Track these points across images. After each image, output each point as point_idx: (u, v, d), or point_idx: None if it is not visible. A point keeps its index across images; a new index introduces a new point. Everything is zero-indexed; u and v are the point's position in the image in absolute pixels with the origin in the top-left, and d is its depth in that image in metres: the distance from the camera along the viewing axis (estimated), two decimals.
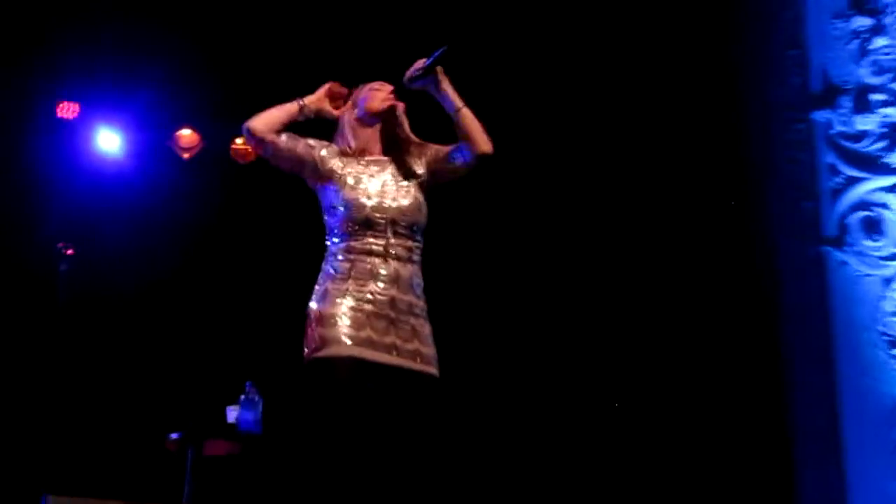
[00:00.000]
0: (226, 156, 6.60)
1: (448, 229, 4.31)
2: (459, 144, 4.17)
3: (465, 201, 4.59)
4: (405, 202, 4.13)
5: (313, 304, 4.00)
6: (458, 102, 4.13)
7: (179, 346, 6.28)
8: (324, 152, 4.18)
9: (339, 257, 4.05)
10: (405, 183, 4.19)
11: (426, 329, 4.05)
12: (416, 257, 4.13)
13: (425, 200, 4.18)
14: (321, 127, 4.21)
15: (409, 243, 4.11)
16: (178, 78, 6.21)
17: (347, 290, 3.98)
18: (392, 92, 4.25)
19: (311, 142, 4.19)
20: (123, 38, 6.01)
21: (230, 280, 6.34)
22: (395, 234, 4.07)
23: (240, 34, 6.13)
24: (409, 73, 4.16)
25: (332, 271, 4.05)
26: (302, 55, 5.97)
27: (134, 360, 6.16)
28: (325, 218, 4.17)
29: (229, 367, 5.93)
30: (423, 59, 4.13)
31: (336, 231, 4.12)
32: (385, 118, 4.23)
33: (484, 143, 4.11)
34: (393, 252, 4.05)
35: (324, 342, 3.90)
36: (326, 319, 3.94)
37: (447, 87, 4.13)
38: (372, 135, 4.24)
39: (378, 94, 4.25)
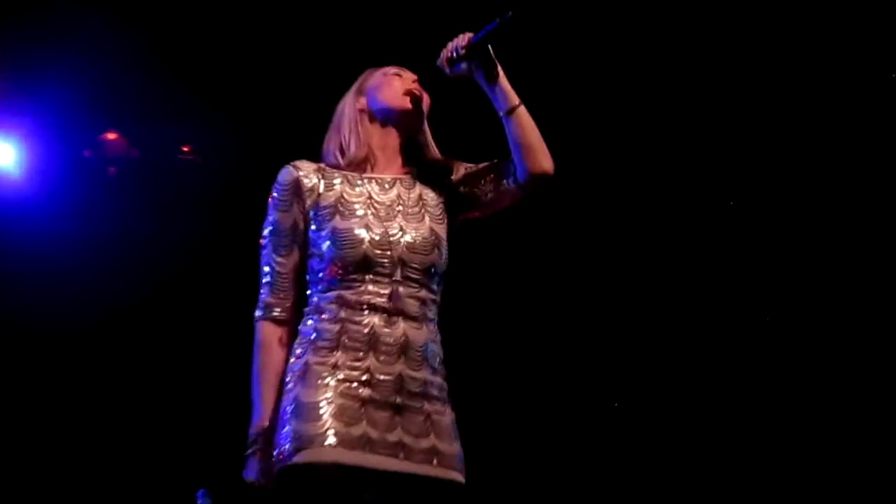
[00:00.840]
0: (165, 168, 5.41)
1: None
2: (508, 162, 3.09)
3: None
4: (420, 236, 3.06)
5: (288, 385, 2.98)
6: (514, 99, 3.04)
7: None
8: (304, 188, 3.12)
9: (325, 315, 3.00)
10: (420, 210, 3.10)
11: (447, 417, 3.03)
12: (432, 314, 3.07)
13: (447, 236, 3.13)
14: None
15: (424, 294, 3.04)
16: (99, 71, 5.08)
17: (336, 364, 2.95)
18: (416, 81, 3.16)
19: (283, 216, 3.12)
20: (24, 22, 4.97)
21: (174, 332, 5.42)
22: (406, 280, 3.02)
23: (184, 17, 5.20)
24: (447, 51, 3.05)
25: (313, 336, 3.01)
26: (263, 42, 5.18)
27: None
28: (307, 260, 3.10)
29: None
30: (469, 33, 3.03)
31: (320, 277, 3.05)
32: (404, 118, 3.15)
33: (544, 158, 3.04)
34: (401, 307, 3.00)
35: (301, 441, 2.89)
36: (306, 409, 2.92)
37: (502, 76, 3.04)
38: (381, 139, 3.17)
39: (396, 83, 3.17)
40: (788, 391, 5.03)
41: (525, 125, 3.01)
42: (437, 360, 3.05)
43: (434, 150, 3.19)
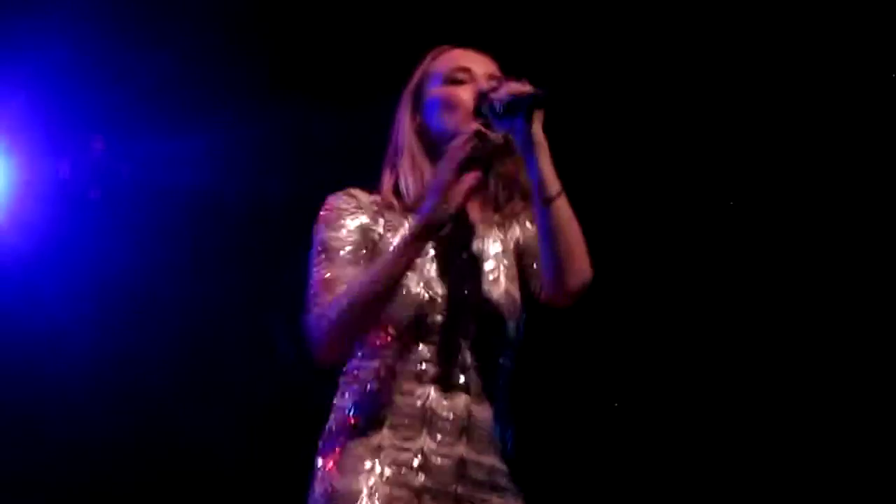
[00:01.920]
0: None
1: None
2: (537, 263, 2.48)
3: None
4: (493, 294, 2.47)
5: (319, 468, 2.44)
6: (556, 184, 2.37)
7: None
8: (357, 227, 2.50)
9: (368, 387, 2.44)
10: (495, 265, 2.51)
11: None
12: (502, 389, 2.49)
13: (525, 299, 2.53)
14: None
15: (495, 364, 2.47)
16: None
17: (380, 446, 2.40)
18: (494, 78, 2.49)
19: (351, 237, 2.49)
20: None
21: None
22: (472, 347, 2.44)
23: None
24: (498, 93, 2.37)
25: (350, 412, 2.45)
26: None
27: None
28: None
29: None
30: (525, 82, 2.36)
31: (364, 340, 2.48)
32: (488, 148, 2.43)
33: (582, 268, 2.41)
34: (464, 379, 2.43)
35: None
36: (343, 498, 2.37)
37: (545, 153, 2.37)
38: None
39: (461, 95, 2.48)
40: (789, 391, 4.87)
41: (564, 222, 2.37)
42: (507, 440, 2.49)
43: (523, 185, 2.50)
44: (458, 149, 2.34)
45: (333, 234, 2.46)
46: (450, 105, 2.46)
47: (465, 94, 2.45)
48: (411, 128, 2.51)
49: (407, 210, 2.47)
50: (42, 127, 4.46)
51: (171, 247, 4.58)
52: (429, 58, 2.55)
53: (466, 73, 2.48)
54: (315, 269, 2.44)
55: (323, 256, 2.45)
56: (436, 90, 2.50)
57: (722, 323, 4.93)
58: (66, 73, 4.40)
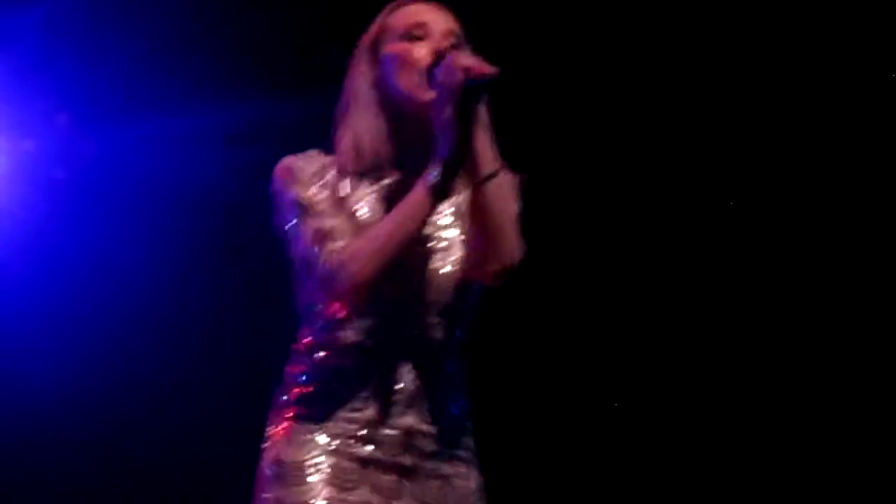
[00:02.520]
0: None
1: None
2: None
3: None
4: (442, 266, 2.41)
5: (269, 439, 2.43)
6: (494, 163, 2.31)
7: None
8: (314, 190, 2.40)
9: (317, 357, 2.41)
10: (451, 233, 2.45)
11: (471, 482, 2.46)
12: (454, 358, 2.46)
13: None
14: None
15: (449, 338, 2.43)
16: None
17: (328, 417, 2.38)
18: (451, 41, 2.41)
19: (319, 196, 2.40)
20: None
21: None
22: (424, 318, 2.40)
23: None
24: (448, 68, 2.30)
25: (301, 382, 2.43)
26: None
27: None
28: (298, 292, 2.46)
29: None
30: (481, 61, 2.30)
31: (315, 311, 2.43)
32: (425, 111, 2.36)
33: (508, 251, 2.34)
34: (415, 351, 2.40)
35: None
36: (290, 471, 2.37)
37: (486, 131, 2.31)
38: (408, 132, 2.42)
39: (416, 53, 2.40)
40: (788, 392, 4.85)
41: (500, 202, 2.30)
42: (461, 411, 2.46)
43: (485, 153, 2.33)
44: (450, 83, 2.27)
45: (304, 189, 2.38)
46: (405, 63, 2.38)
47: (422, 52, 2.38)
48: (367, 82, 2.43)
49: (365, 169, 2.41)
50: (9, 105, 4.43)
51: (142, 233, 4.54)
52: (386, 10, 2.47)
53: (423, 29, 2.40)
54: (302, 226, 2.36)
55: (305, 211, 2.36)
56: (392, 46, 2.42)
57: (721, 323, 4.92)
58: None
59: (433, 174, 2.26)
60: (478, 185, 2.29)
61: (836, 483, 4.72)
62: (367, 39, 2.47)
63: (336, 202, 2.37)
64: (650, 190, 4.96)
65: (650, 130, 4.90)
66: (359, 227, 2.34)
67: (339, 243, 2.31)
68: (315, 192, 2.37)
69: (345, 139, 2.41)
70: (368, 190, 2.40)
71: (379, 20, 2.46)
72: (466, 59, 2.30)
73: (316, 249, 2.32)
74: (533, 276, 4.60)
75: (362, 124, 2.41)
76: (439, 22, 2.42)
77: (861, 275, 4.80)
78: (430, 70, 2.34)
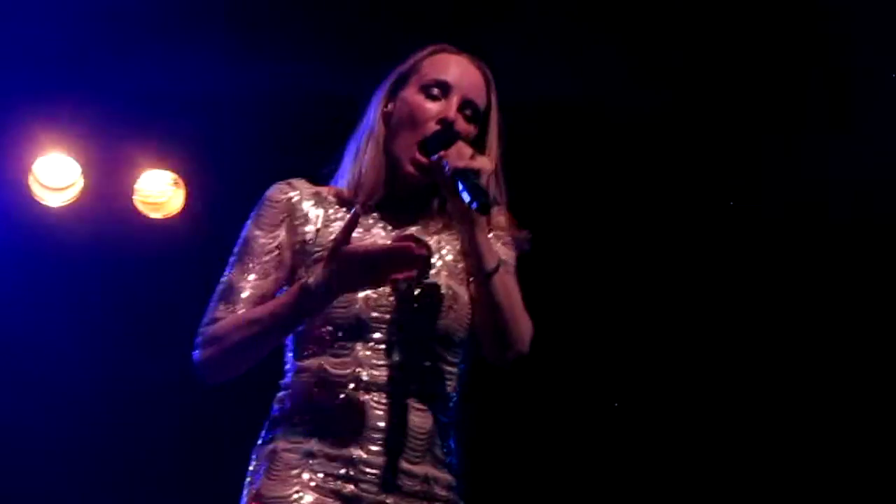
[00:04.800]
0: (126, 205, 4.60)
1: None
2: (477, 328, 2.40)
3: None
4: (437, 292, 2.39)
5: (249, 476, 2.40)
6: (493, 260, 2.35)
7: None
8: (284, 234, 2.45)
9: (303, 389, 2.38)
10: (440, 265, 2.44)
11: None
12: (445, 393, 2.41)
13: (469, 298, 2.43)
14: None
15: (440, 367, 2.39)
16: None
17: (311, 453, 2.34)
18: (464, 114, 2.44)
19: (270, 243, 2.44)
20: None
21: None
22: (413, 351, 2.37)
23: None
24: (453, 161, 2.31)
25: (284, 416, 2.40)
26: None
27: None
28: None
29: None
30: (485, 170, 2.34)
31: (300, 340, 2.42)
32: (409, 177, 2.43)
33: (518, 340, 2.38)
34: (404, 384, 2.36)
35: None
36: None
37: (482, 229, 2.36)
38: (400, 185, 2.46)
39: (428, 108, 2.42)
40: (789, 392, 4.88)
41: (502, 298, 2.32)
42: (448, 450, 2.39)
43: (485, 250, 2.36)
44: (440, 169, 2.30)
45: (259, 233, 2.42)
46: (411, 118, 2.41)
47: (430, 111, 2.40)
48: (384, 119, 2.45)
49: (361, 199, 2.41)
50: None
51: None
52: (424, 52, 2.48)
53: (445, 88, 2.42)
54: (228, 265, 2.42)
55: (240, 255, 2.42)
56: (410, 93, 2.44)
57: (720, 323, 4.91)
58: None
59: (312, 278, 2.27)
60: (483, 280, 2.30)
61: (836, 483, 4.72)
62: (395, 74, 2.49)
63: (272, 260, 2.40)
64: (647, 189, 4.94)
65: (648, 130, 4.87)
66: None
67: (220, 310, 2.35)
68: (264, 243, 2.41)
69: (352, 168, 2.44)
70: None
71: (413, 58, 2.48)
72: (465, 151, 2.30)
73: (211, 305, 2.39)
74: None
75: (369, 160, 2.42)
76: (463, 86, 2.43)
77: (860, 276, 4.79)
78: (429, 138, 2.36)
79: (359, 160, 2.43)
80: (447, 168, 2.27)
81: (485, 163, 2.30)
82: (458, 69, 2.44)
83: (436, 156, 2.31)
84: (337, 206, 2.43)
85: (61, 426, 4.47)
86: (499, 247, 2.42)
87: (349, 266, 2.23)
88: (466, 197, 2.23)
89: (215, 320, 2.35)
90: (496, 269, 2.31)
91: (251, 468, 2.38)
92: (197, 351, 2.36)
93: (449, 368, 2.39)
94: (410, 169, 2.38)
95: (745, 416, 4.88)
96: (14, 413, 4.44)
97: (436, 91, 2.41)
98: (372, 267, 2.23)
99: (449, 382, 2.39)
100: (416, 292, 2.35)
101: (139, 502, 4.52)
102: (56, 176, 4.47)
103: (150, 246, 4.53)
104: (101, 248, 4.52)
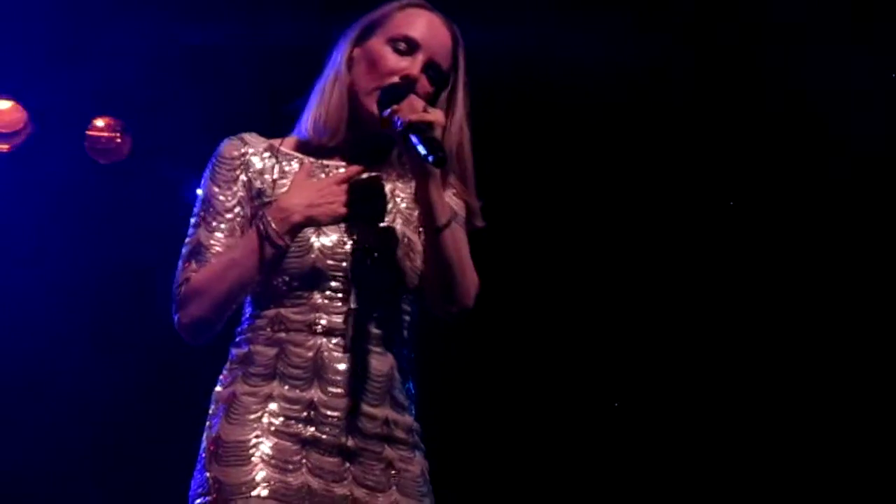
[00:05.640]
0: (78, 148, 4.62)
1: None
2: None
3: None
4: (390, 238, 2.43)
5: (208, 420, 2.42)
6: (445, 214, 2.37)
7: None
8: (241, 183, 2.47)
9: (261, 335, 2.41)
10: (393, 213, 2.47)
11: (415, 467, 2.45)
12: (401, 338, 2.46)
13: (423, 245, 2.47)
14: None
15: (396, 313, 2.44)
16: None
17: (270, 396, 2.37)
18: (427, 74, 2.45)
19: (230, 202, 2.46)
20: None
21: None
22: (369, 295, 2.41)
23: None
24: (406, 115, 2.33)
25: (244, 360, 2.42)
26: None
27: None
28: None
29: None
30: (438, 125, 2.34)
31: (258, 289, 2.44)
32: (370, 121, 2.44)
33: (464, 295, 2.41)
34: (360, 329, 2.39)
35: (223, 492, 2.33)
36: (229, 450, 2.35)
37: (436, 182, 2.37)
38: (361, 130, 2.47)
39: (391, 62, 2.44)
40: (789, 392, 4.91)
41: (452, 251, 2.35)
42: (407, 393, 2.44)
43: (438, 204, 2.38)
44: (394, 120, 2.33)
45: (217, 190, 2.44)
46: (374, 69, 2.43)
47: (394, 65, 2.42)
48: (346, 60, 2.47)
49: (318, 146, 2.45)
50: None
51: None
52: (396, 5, 2.49)
53: (410, 45, 2.43)
54: (192, 226, 2.45)
55: (202, 215, 2.44)
56: (376, 43, 2.45)
57: (719, 323, 4.95)
58: None
59: (270, 224, 2.32)
60: (433, 233, 2.33)
61: (837, 483, 4.75)
62: (366, 20, 2.49)
63: (237, 216, 2.43)
64: (647, 188, 4.97)
65: (648, 130, 4.90)
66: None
67: (192, 268, 2.38)
68: (225, 199, 2.43)
69: (314, 110, 2.46)
70: (309, 168, 2.44)
71: (382, 9, 2.48)
72: (417, 104, 2.32)
73: (182, 255, 2.42)
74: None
75: (333, 103, 2.44)
76: (431, 45, 2.44)
77: (859, 276, 4.81)
78: (383, 90, 2.38)
79: (323, 101, 2.44)
80: (399, 122, 2.29)
81: (438, 115, 2.32)
82: (428, 28, 2.45)
83: (388, 111, 2.33)
84: (290, 158, 2.46)
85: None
86: (450, 197, 2.44)
87: (307, 188, 2.33)
88: (422, 150, 2.25)
89: (188, 279, 2.37)
90: (448, 224, 2.34)
91: (210, 412, 2.40)
92: (177, 313, 2.38)
93: (405, 315, 2.43)
94: (373, 109, 2.39)
95: (745, 414, 4.90)
96: None
97: (402, 46, 2.43)
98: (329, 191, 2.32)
99: (406, 328, 2.44)
100: (371, 240, 2.38)
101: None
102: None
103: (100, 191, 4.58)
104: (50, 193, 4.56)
